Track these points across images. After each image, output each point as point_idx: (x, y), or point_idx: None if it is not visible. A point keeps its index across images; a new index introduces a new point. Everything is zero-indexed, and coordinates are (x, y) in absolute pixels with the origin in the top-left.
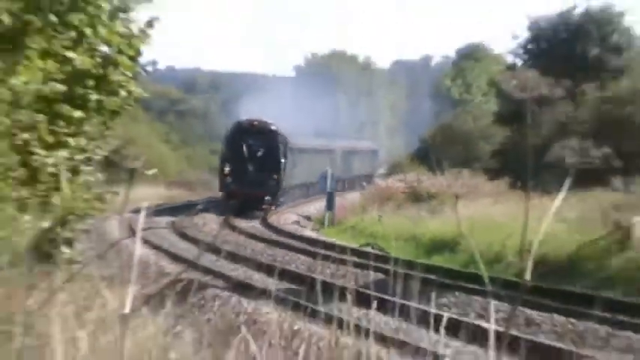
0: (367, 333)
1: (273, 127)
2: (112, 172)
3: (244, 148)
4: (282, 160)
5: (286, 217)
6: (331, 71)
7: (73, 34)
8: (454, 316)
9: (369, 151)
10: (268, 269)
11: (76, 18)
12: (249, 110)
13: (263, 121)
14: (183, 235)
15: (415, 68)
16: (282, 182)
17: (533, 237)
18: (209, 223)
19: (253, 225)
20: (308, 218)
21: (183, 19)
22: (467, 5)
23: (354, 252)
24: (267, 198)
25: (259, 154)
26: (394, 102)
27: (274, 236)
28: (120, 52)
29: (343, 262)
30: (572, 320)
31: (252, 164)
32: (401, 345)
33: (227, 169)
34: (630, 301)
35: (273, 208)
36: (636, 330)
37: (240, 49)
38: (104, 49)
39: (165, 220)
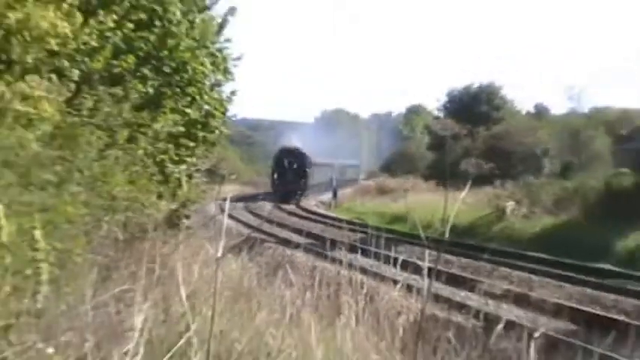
0: (355, 267)
1: (301, 151)
2: (211, 177)
3: (285, 162)
4: (307, 170)
5: (309, 202)
6: (335, 120)
7: (189, 98)
8: (404, 258)
9: (354, 165)
10: (299, 231)
11: (191, 90)
12: (288, 142)
13: (296, 148)
14: (252, 212)
15: (382, 118)
16: (308, 183)
17: (449, 213)
18: (266, 206)
19: (291, 207)
20: (322, 203)
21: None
22: (413, 78)
23: (347, 222)
24: (299, 192)
25: (294, 166)
26: (370, 137)
27: (302, 213)
28: (215, 109)
29: (340, 227)
30: (471, 261)
31: (290, 172)
32: (374, 274)
33: (275, 175)
34: (504, 249)
35: (302, 198)
36: (509, 266)
37: (280, 104)
38: (206, 107)
39: (241, 204)
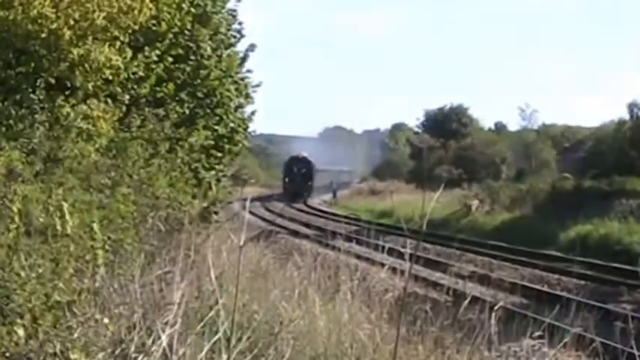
0: (351, 254)
1: (308, 159)
2: (235, 181)
3: (294, 169)
4: (313, 175)
5: (313, 201)
6: (335, 135)
7: (217, 118)
8: (390, 246)
9: (349, 171)
10: (306, 224)
11: (219, 111)
12: (297, 152)
13: (303, 156)
14: (268, 209)
15: (372, 133)
16: (313, 186)
17: (426, 209)
18: (279, 205)
19: (299, 205)
20: (324, 201)
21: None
22: (396, 100)
23: (345, 217)
24: (305, 194)
25: (302, 172)
26: (362, 149)
27: (308, 209)
28: (239, 126)
29: (339, 221)
30: (444, 248)
31: (299, 177)
32: (367, 259)
33: (287, 179)
34: (470, 239)
35: (308, 198)
36: (474, 253)
37: (289, 121)
38: (232, 125)
39: (259, 203)
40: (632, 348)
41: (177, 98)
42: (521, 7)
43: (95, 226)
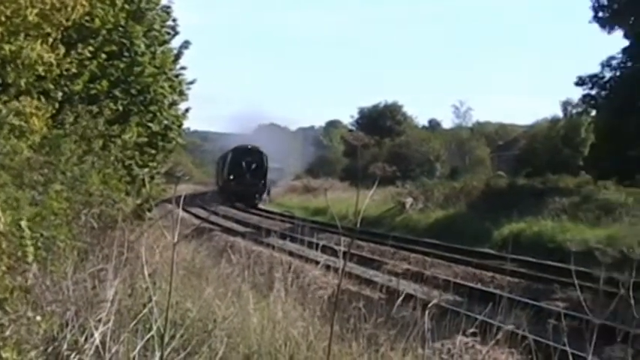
0: (285, 251)
1: (259, 149)
2: (169, 178)
3: (242, 163)
4: (266, 172)
5: None
6: (269, 132)
7: (151, 115)
8: (324, 244)
9: (279, 168)
10: (240, 222)
11: (153, 108)
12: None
13: (253, 146)
14: (202, 207)
15: (307, 130)
16: (267, 184)
17: (360, 207)
18: (213, 202)
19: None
20: None
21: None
22: (331, 98)
23: (279, 214)
24: (257, 195)
25: (252, 167)
26: (297, 146)
27: (242, 207)
28: (173, 123)
29: (273, 218)
30: (378, 246)
31: (248, 173)
32: (301, 257)
33: (231, 176)
34: (404, 236)
35: (261, 201)
36: (408, 250)
37: (223, 119)
38: (165, 122)
39: (195, 200)
40: (564, 345)
41: (110, 95)
42: (455, 7)
43: (23, 223)
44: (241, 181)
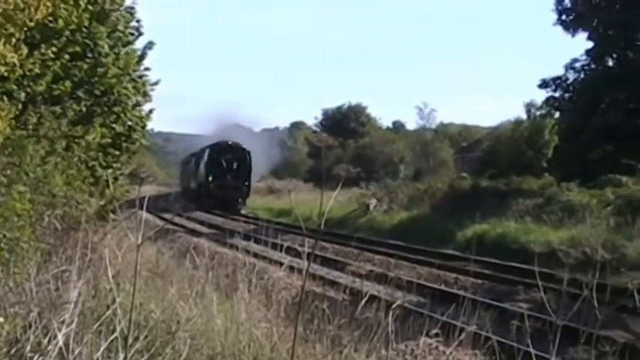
0: (249, 252)
1: (243, 147)
2: (133, 179)
3: (222, 162)
4: (250, 172)
5: None
6: (233, 134)
7: (115, 116)
8: (288, 245)
9: None
10: (204, 223)
11: (116, 109)
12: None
13: (235, 143)
14: (165, 210)
15: (271, 132)
16: (251, 186)
17: (325, 208)
18: (177, 203)
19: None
20: None
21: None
22: (295, 99)
23: (244, 216)
24: (240, 200)
25: (234, 166)
26: (261, 147)
27: (206, 208)
28: (137, 124)
29: (237, 220)
30: (342, 247)
31: (230, 174)
32: (265, 258)
33: (210, 177)
34: (368, 238)
35: (244, 206)
36: (372, 252)
37: (186, 120)
38: (129, 123)
39: (158, 202)
40: (528, 346)
41: (74, 96)
42: (419, 8)
43: None
44: (221, 183)
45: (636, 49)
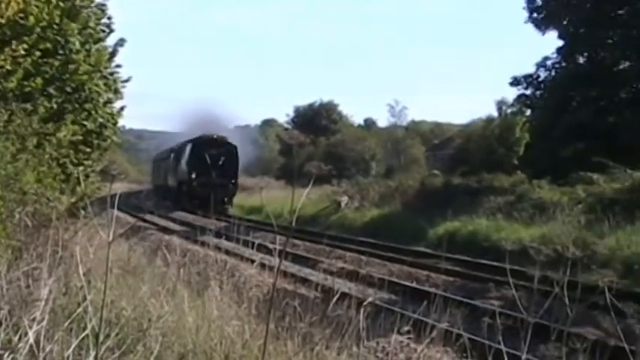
0: (220, 250)
1: (229, 142)
2: (104, 176)
3: (207, 157)
4: (237, 168)
5: None
6: (206, 130)
7: (86, 113)
8: (260, 242)
9: None
10: (175, 220)
11: (88, 106)
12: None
13: (221, 137)
14: (138, 207)
15: (243, 129)
16: (237, 184)
17: (296, 206)
18: (149, 200)
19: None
20: None
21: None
22: (267, 96)
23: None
24: (225, 199)
25: (219, 162)
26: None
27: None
28: (108, 121)
29: (208, 217)
30: (313, 244)
31: (215, 170)
32: (236, 255)
33: (193, 174)
34: (339, 235)
35: (231, 206)
36: (343, 249)
37: (162, 119)
38: (100, 120)
39: (130, 199)
40: (499, 344)
41: (45, 93)
42: (391, 5)
43: None
44: (206, 181)
45: (606, 47)
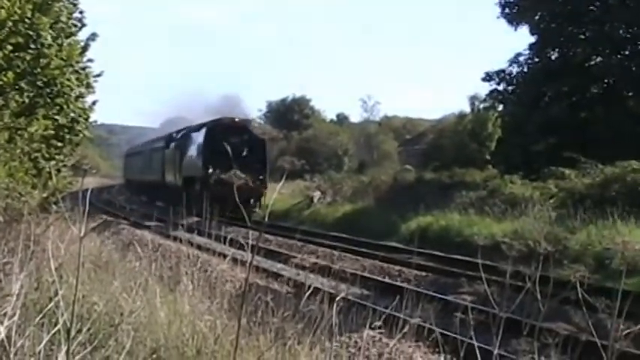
0: (192, 245)
1: (250, 129)
2: (76, 171)
3: (227, 146)
4: (267, 159)
5: None
6: (177, 126)
7: (58, 107)
8: (232, 237)
9: None
10: (146, 216)
11: (59, 100)
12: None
13: (242, 121)
14: (109, 202)
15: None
16: (267, 181)
17: (269, 201)
18: (121, 195)
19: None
20: None
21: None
22: (241, 90)
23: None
24: (252, 200)
25: (243, 152)
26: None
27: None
28: (80, 116)
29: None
30: (286, 239)
31: (238, 162)
32: (208, 250)
33: (209, 167)
34: (312, 230)
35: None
36: (315, 244)
37: (130, 112)
38: (72, 114)
39: (102, 194)
40: (471, 339)
41: (16, 87)
42: (360, 2)
43: None
44: (226, 178)
45: (578, 42)
